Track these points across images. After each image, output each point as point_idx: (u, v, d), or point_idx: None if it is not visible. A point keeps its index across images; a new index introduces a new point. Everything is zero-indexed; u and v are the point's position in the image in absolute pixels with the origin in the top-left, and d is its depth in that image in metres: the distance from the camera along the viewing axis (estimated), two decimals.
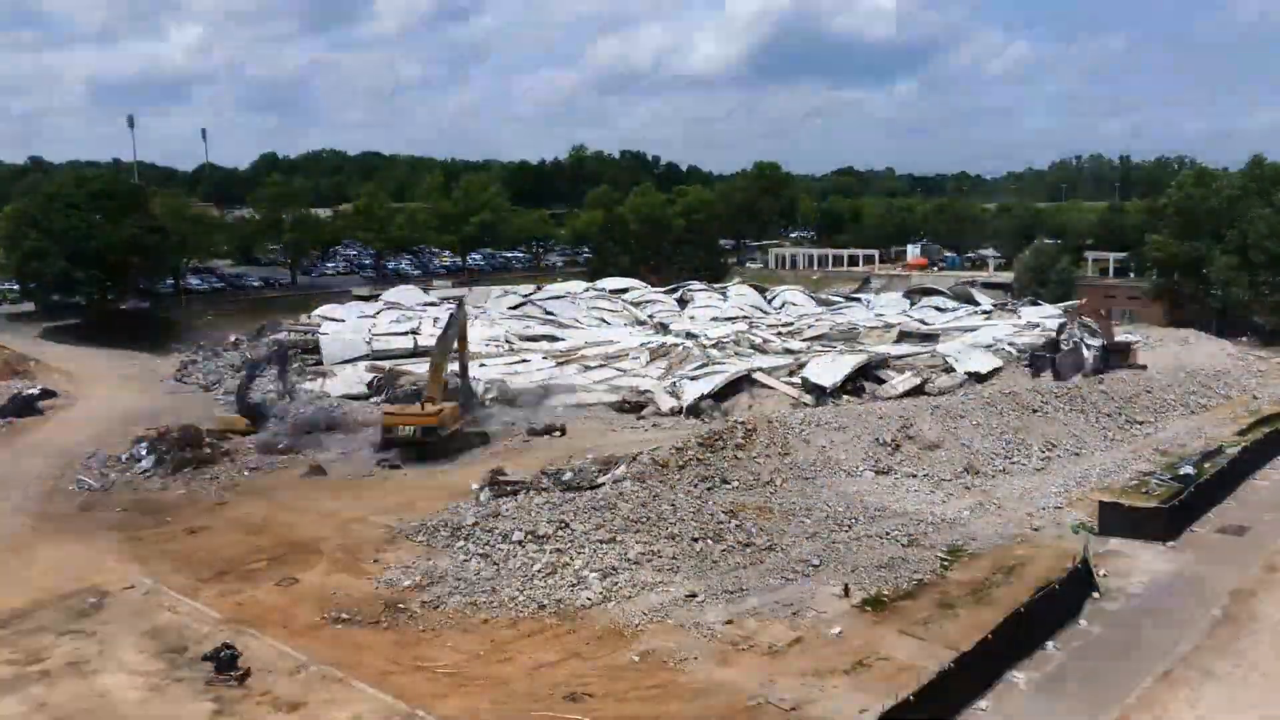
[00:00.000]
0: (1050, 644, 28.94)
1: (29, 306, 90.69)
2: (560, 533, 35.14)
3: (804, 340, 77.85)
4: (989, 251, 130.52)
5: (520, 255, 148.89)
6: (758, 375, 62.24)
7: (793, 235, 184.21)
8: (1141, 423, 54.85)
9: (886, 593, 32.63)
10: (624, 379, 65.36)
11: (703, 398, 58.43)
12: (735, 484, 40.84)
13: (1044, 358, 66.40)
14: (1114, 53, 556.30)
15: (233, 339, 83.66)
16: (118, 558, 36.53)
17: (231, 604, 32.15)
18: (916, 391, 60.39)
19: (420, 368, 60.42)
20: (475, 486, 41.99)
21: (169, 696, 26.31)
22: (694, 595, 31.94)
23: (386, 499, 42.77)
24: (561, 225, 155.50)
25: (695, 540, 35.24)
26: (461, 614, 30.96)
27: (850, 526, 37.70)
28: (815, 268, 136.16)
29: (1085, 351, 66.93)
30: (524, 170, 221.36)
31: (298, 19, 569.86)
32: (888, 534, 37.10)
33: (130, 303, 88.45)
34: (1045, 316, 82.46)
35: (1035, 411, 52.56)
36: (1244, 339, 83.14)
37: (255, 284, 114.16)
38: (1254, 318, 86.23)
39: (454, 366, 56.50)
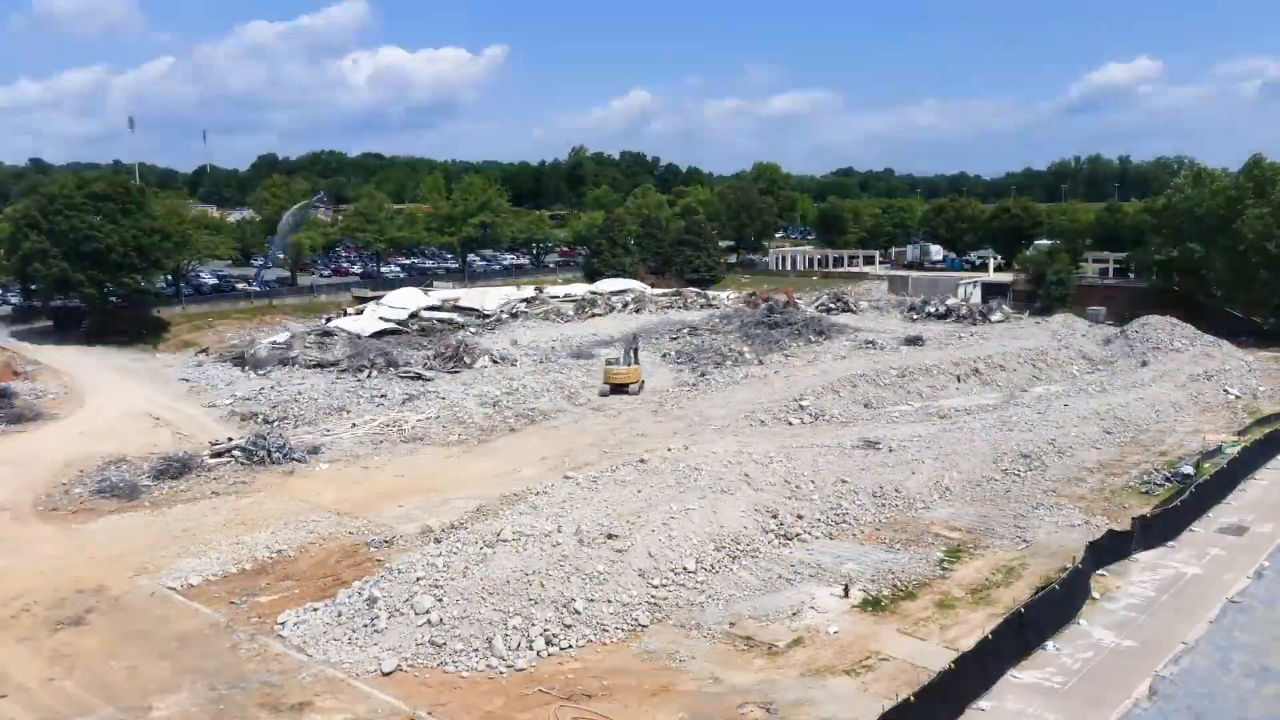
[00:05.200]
0: (1050, 644, 29.01)
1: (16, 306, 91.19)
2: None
3: None
4: (988, 252, 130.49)
5: (516, 256, 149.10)
6: None
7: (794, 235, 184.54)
8: None
9: (886, 593, 32.76)
10: None
11: None
12: None
13: None
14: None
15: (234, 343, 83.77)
16: None
17: None
18: None
19: None
20: None
21: None
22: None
23: None
24: (561, 226, 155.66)
25: None
26: None
27: None
28: (814, 268, 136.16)
29: None
30: (523, 171, 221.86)
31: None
32: None
33: (130, 304, 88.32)
34: None
35: None
36: (1242, 339, 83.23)
37: (255, 285, 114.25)
38: (1253, 318, 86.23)
39: None
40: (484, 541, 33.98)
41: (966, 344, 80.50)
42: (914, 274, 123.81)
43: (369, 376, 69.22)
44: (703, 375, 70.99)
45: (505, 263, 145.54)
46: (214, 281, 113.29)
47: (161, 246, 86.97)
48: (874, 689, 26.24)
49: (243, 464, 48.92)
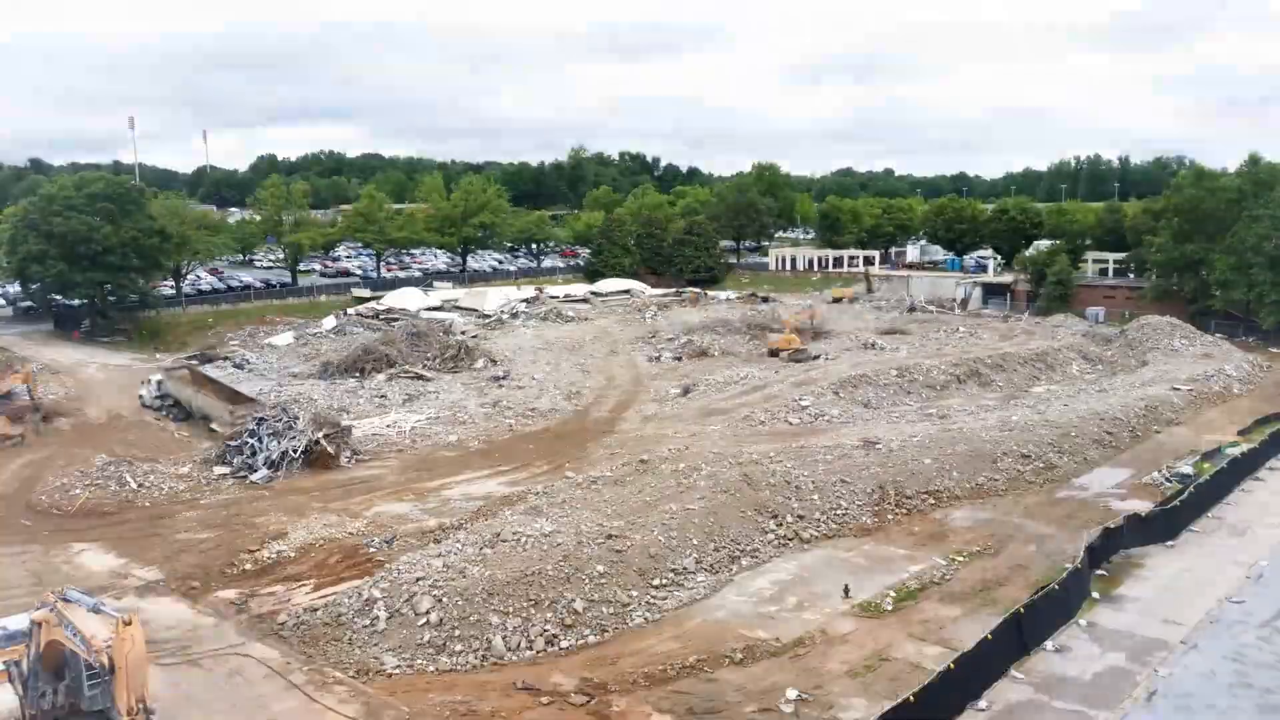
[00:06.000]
0: (1049, 644, 29.00)
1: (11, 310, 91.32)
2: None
3: None
4: (988, 252, 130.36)
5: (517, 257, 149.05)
6: None
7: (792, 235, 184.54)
8: None
9: (887, 593, 32.74)
10: None
11: None
12: None
13: None
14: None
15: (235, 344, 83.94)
16: None
17: None
18: None
19: None
20: None
21: None
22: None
23: None
24: (561, 226, 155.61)
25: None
26: None
27: None
28: (815, 268, 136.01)
29: None
30: (524, 171, 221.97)
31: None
32: None
33: (130, 304, 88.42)
34: None
35: None
36: (1242, 339, 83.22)
37: (257, 285, 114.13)
38: (1253, 318, 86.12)
39: None
40: (484, 541, 34.01)
41: (968, 344, 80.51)
42: (914, 274, 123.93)
43: (368, 376, 69.26)
44: (704, 376, 70.98)
45: (500, 262, 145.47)
46: (213, 284, 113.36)
47: (161, 247, 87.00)
48: (875, 689, 26.24)
49: (243, 469, 48.42)
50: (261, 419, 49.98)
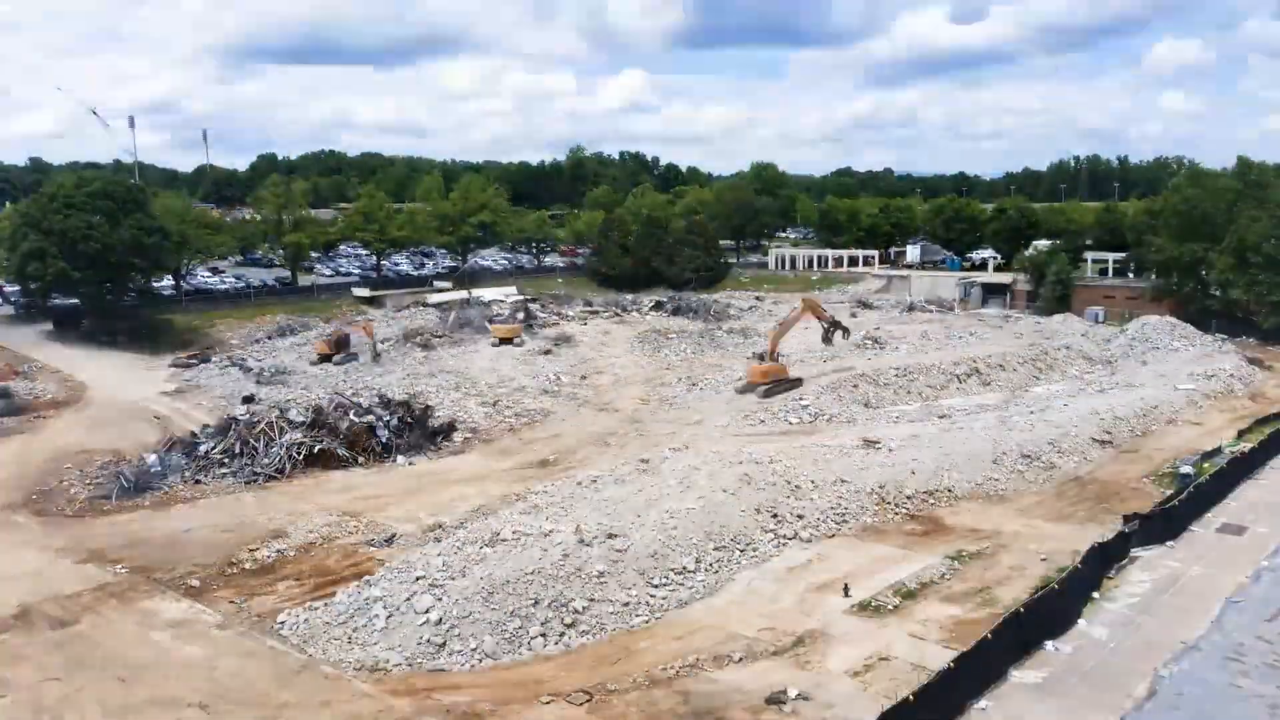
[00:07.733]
0: (1050, 644, 29.00)
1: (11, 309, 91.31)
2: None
3: None
4: (988, 252, 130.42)
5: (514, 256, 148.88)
6: None
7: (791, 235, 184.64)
8: None
9: (887, 592, 32.74)
10: None
11: None
12: None
13: None
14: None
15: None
16: None
17: None
18: None
19: None
20: None
21: None
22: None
23: None
24: (561, 226, 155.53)
25: None
26: None
27: None
28: (815, 268, 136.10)
29: None
30: (523, 171, 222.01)
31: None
32: None
33: (130, 303, 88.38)
34: None
35: None
36: (1242, 339, 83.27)
37: (257, 284, 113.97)
38: (1252, 318, 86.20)
39: None
40: (484, 541, 34.01)
41: (968, 344, 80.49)
42: (914, 274, 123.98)
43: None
44: (704, 375, 70.99)
45: (505, 262, 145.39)
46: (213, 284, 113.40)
47: (161, 246, 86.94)
48: (874, 688, 26.25)
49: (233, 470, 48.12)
50: (255, 421, 50.17)
